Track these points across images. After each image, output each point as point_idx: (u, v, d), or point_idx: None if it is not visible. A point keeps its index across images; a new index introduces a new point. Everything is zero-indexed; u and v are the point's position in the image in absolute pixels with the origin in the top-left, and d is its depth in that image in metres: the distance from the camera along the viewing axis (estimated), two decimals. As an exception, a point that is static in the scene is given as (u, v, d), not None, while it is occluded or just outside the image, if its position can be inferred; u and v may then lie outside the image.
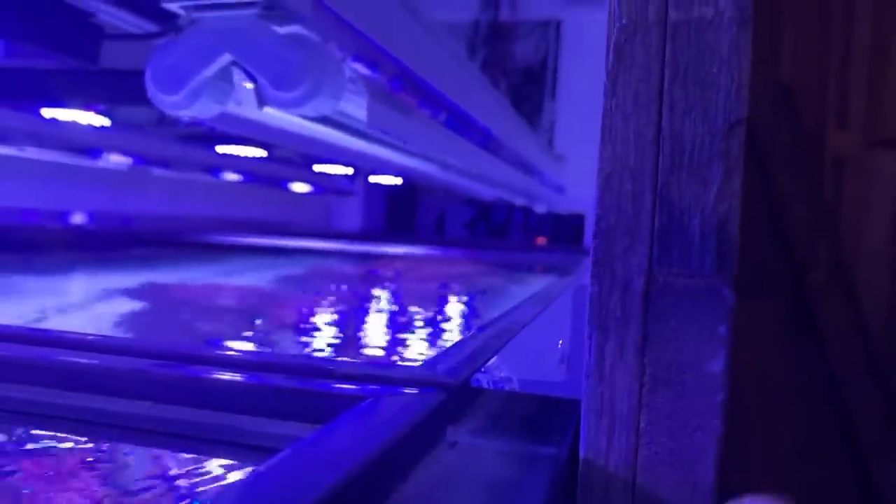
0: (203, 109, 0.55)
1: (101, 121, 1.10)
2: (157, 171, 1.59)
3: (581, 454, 0.21)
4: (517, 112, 2.61)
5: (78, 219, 1.67)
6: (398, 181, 2.03)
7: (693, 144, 0.22)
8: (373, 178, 2.07)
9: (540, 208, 2.23)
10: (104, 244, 1.67)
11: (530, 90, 2.55)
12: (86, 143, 1.29)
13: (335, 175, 1.96)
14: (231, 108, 0.58)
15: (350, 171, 1.81)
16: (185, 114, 0.54)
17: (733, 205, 0.20)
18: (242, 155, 1.55)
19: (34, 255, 1.37)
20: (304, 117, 0.63)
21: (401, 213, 2.75)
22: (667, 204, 0.21)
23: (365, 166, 1.73)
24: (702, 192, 0.22)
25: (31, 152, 1.21)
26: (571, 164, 2.19)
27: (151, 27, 0.61)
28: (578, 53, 2.20)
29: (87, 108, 1.01)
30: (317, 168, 1.83)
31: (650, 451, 0.21)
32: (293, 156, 1.68)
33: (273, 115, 0.61)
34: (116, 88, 0.94)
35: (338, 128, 0.72)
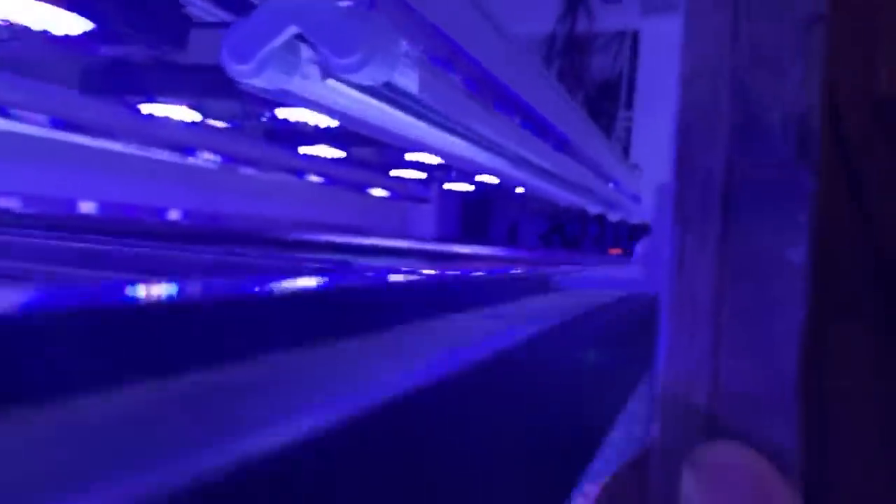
0: (272, 79, 0.60)
1: (193, 116, 1.20)
2: (245, 171, 1.69)
3: (662, 348, 0.22)
4: (594, 121, 2.61)
5: (174, 215, 1.80)
6: (471, 188, 2.07)
7: (772, 42, 0.23)
8: (447, 186, 2.13)
9: (614, 217, 2.22)
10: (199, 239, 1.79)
11: (607, 100, 2.56)
12: (179, 141, 1.40)
13: (410, 181, 2.03)
14: (297, 82, 0.63)
15: (423, 175, 1.87)
16: (256, 83, 0.60)
17: (813, 100, 0.22)
18: (322, 156, 1.64)
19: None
20: (365, 91, 0.68)
21: (475, 221, 2.80)
22: (745, 100, 0.22)
23: (435, 171, 1.77)
24: (781, 88, 0.23)
25: (130, 148, 1.32)
26: (647, 175, 2.18)
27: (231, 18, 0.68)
28: (655, 62, 2.19)
29: (178, 101, 1.10)
30: (393, 173, 1.90)
31: (732, 339, 0.22)
32: (371, 158, 1.75)
33: (337, 88, 0.66)
34: (205, 82, 1.02)
35: (399, 107, 0.77)
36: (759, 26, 0.24)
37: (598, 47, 2.42)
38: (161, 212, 1.77)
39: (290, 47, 0.59)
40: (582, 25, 2.28)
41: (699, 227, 0.24)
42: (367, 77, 0.56)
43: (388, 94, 0.72)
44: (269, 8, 0.58)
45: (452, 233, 2.71)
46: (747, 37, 0.24)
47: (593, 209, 2.16)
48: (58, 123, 1.16)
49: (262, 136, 1.59)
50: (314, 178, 1.86)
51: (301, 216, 2.17)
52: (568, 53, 2.32)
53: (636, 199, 2.05)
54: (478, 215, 2.74)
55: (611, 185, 1.94)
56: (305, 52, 0.61)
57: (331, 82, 0.62)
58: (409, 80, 0.65)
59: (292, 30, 0.57)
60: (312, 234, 1.96)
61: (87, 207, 1.56)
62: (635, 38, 2.28)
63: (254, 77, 0.59)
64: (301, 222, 2.10)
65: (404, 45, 0.63)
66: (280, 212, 2.09)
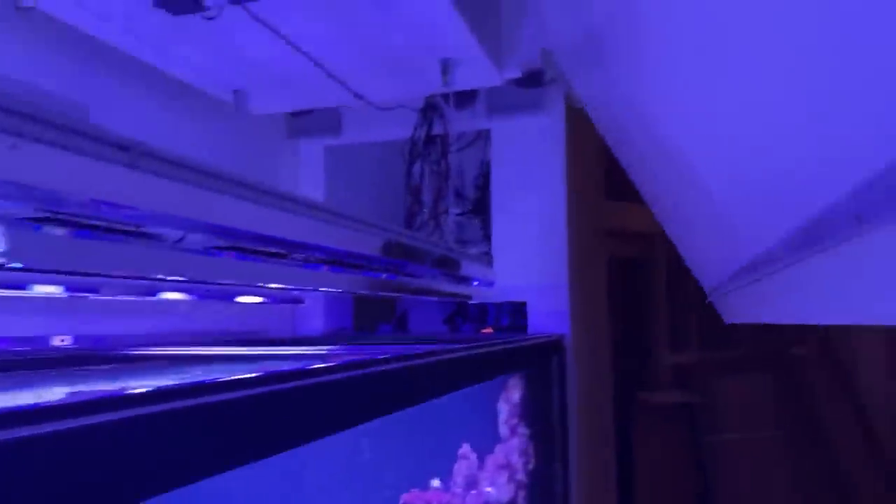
0: None
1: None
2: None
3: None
4: (474, 215, 2.81)
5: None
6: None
7: None
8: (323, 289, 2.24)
9: (475, 301, 2.37)
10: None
11: (480, 194, 2.77)
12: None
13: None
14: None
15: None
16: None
17: None
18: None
19: None
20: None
21: (368, 313, 2.91)
22: None
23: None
24: None
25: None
26: (509, 256, 2.36)
27: None
28: (506, 157, 2.40)
29: None
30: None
31: None
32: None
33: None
34: None
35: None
36: None
37: (462, 144, 2.63)
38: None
39: None
40: (438, 128, 2.49)
41: None
42: None
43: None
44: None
45: (346, 326, 2.82)
46: None
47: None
48: None
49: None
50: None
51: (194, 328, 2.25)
52: (433, 153, 2.52)
53: (491, 284, 2.21)
54: (372, 308, 2.86)
55: (475, 283, 2.13)
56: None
57: None
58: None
59: None
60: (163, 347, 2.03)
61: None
62: (488, 135, 2.50)
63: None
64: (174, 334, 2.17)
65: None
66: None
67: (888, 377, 4.09)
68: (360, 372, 0.83)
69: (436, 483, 1.06)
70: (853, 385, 4.09)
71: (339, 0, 1.36)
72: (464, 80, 1.70)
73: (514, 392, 1.52)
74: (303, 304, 2.63)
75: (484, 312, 2.82)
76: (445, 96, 2.39)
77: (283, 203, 1.24)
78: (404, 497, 0.99)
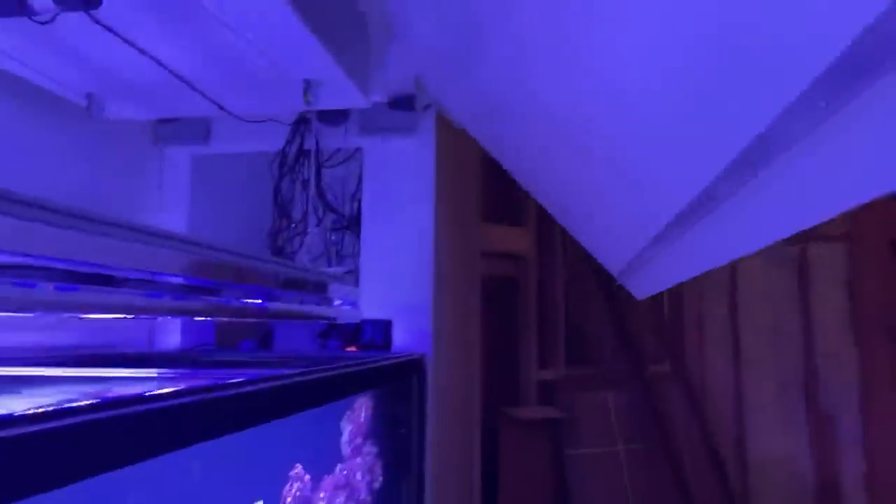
0: None
1: None
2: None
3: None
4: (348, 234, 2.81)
5: None
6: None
7: None
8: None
9: (342, 321, 2.38)
10: None
11: (357, 210, 2.77)
12: None
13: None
14: None
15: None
16: None
17: None
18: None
19: None
20: None
21: (230, 331, 2.84)
22: None
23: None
24: None
25: None
26: (376, 276, 2.38)
27: None
28: (378, 176, 2.43)
29: None
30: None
31: None
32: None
33: None
34: None
35: None
36: None
37: (335, 161, 2.63)
38: None
39: None
40: (310, 143, 2.48)
41: None
42: None
43: None
44: None
45: (208, 342, 2.73)
46: None
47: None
48: None
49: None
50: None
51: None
52: (300, 169, 2.51)
53: (353, 304, 2.23)
54: (234, 322, 2.79)
55: (337, 302, 2.13)
56: None
57: None
58: None
59: None
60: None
61: None
62: (361, 154, 2.52)
63: None
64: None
65: None
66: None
67: (736, 402, 4.44)
68: (173, 402, 0.82)
69: (259, 505, 1.06)
70: (702, 407, 4.40)
71: (193, 17, 1.34)
72: (327, 102, 1.71)
73: (360, 411, 1.54)
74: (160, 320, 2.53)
75: (355, 329, 2.83)
76: (319, 112, 2.40)
77: (135, 235, 1.20)
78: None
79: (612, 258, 2.39)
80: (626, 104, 1.31)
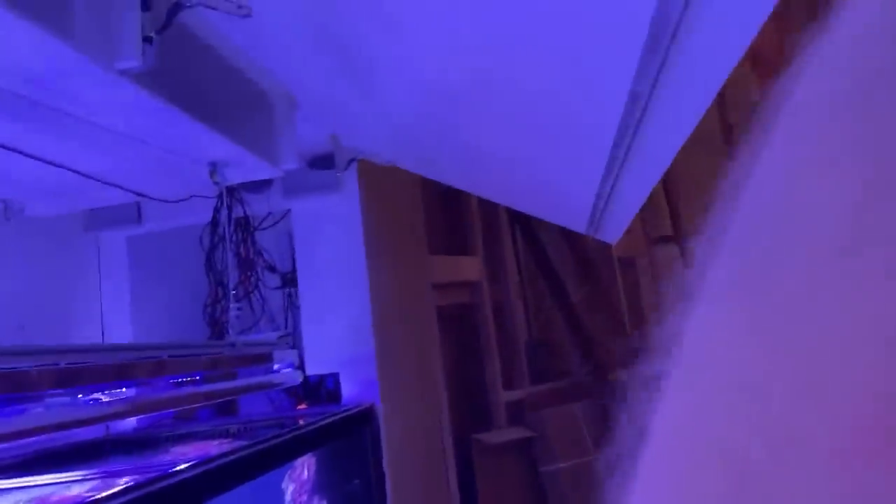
0: None
1: None
2: None
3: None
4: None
5: None
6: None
7: None
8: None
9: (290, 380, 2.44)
10: None
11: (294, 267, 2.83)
12: None
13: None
14: None
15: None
16: None
17: None
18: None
19: None
20: None
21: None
22: None
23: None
24: None
25: None
26: (318, 331, 2.44)
27: None
28: (307, 237, 2.51)
29: None
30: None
31: None
32: None
33: None
34: None
35: None
36: None
37: (266, 224, 2.70)
38: None
39: None
40: (239, 210, 2.55)
41: None
42: None
43: None
44: None
45: (164, 416, 2.77)
46: None
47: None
48: None
49: None
50: None
51: None
52: (232, 236, 2.57)
53: (290, 366, 2.29)
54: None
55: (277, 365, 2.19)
56: None
57: None
58: None
59: None
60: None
61: None
62: (289, 216, 2.60)
63: None
64: None
65: None
66: None
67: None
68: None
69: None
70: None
71: (90, 130, 1.41)
72: (235, 177, 1.79)
73: (301, 469, 1.60)
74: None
75: (306, 387, 2.89)
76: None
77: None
78: None
79: (574, 216, 2.32)
80: (513, 60, 1.30)
